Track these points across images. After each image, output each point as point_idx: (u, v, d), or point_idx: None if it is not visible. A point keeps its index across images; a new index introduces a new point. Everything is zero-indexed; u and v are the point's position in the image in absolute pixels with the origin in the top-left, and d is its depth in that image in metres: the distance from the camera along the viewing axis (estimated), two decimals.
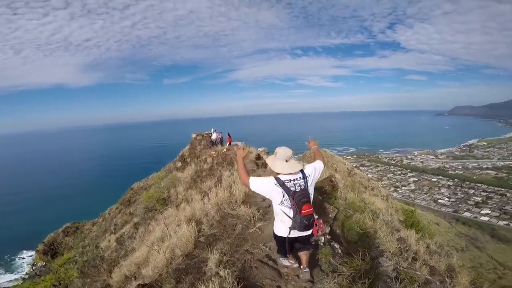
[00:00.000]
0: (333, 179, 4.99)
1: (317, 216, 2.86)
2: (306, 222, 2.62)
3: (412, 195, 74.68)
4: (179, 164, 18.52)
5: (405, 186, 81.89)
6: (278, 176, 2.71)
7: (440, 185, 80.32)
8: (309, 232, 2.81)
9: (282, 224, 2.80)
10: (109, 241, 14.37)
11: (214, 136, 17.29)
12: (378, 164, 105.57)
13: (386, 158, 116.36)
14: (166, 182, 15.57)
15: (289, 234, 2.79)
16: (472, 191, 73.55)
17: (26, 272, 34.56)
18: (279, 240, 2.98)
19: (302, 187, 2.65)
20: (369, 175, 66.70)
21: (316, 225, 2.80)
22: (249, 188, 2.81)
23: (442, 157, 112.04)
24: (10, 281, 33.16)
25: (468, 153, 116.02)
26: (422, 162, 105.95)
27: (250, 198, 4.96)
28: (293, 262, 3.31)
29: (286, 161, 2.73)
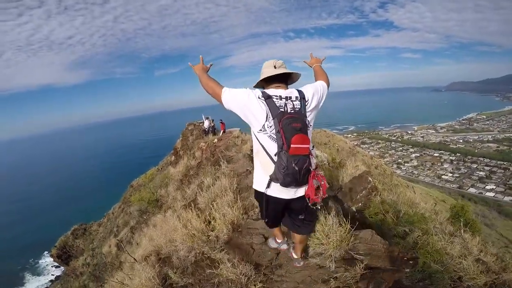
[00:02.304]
0: (370, 178, 3.72)
1: (315, 163, 1.76)
2: (296, 168, 1.61)
3: (415, 172, 74.11)
4: (173, 158, 17.44)
5: (407, 162, 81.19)
6: (264, 90, 1.84)
7: (442, 160, 79.62)
8: (301, 190, 1.79)
9: (261, 169, 1.86)
10: (110, 246, 14.23)
11: (206, 124, 16.15)
12: (379, 141, 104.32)
13: (386, 134, 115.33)
14: (157, 180, 14.59)
15: (267, 187, 1.81)
16: (475, 166, 72.81)
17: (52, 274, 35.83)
18: (257, 197, 2.02)
19: (297, 110, 1.74)
20: (371, 153, 65.98)
21: (315, 181, 1.70)
22: (221, 102, 1.82)
23: (442, 131, 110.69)
24: (43, 285, 34.86)
25: (468, 126, 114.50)
26: (422, 137, 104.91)
27: (240, 235, 2.95)
28: (280, 241, 2.48)
29: (275, 67, 1.85)
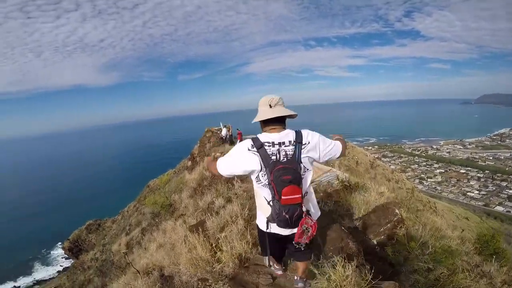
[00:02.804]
0: (397, 210, 3.35)
1: (305, 210, 1.75)
2: (286, 216, 1.67)
3: (438, 188, 70.71)
4: (189, 163, 17.53)
5: (431, 178, 77.49)
6: (257, 136, 1.83)
7: (469, 177, 75.37)
8: (292, 231, 1.83)
9: (260, 212, 1.99)
10: (120, 244, 14.24)
11: (223, 132, 16.14)
12: (402, 154, 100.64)
13: (409, 148, 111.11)
14: (172, 185, 14.65)
15: (267, 228, 1.94)
16: (505, 184, 68.41)
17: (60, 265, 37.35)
18: (259, 233, 2.15)
19: (289, 157, 1.73)
20: (392, 167, 63.66)
21: (303, 226, 1.73)
22: (221, 175, 1.98)
23: (471, 147, 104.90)
24: (50, 276, 36.37)
25: (499, 143, 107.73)
26: (449, 152, 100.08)
27: (247, 272, 2.68)
28: (278, 267, 2.54)
29: (270, 106, 1.81)
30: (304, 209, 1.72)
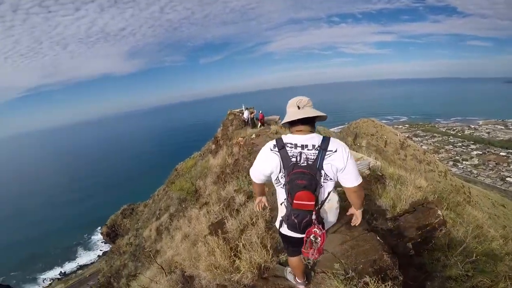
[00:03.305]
0: (439, 212, 2.95)
1: (315, 218, 1.67)
2: (295, 220, 1.67)
3: (474, 171, 66.35)
4: (213, 146, 17.66)
5: (466, 160, 72.77)
6: (282, 136, 1.81)
7: (510, 160, 69.77)
8: (300, 236, 1.76)
9: (278, 211, 1.97)
10: (150, 230, 14.75)
11: (245, 114, 15.93)
12: (435, 134, 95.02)
13: (444, 127, 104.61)
14: (197, 169, 14.83)
15: (280, 227, 1.96)
16: None
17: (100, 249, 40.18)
18: (279, 233, 2.07)
19: (310, 162, 1.66)
20: (423, 147, 60.23)
21: (312, 236, 1.67)
22: (255, 181, 2.02)
23: None
24: (91, 260, 39.18)
25: None
26: (488, 132, 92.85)
27: (266, 285, 2.53)
28: (300, 281, 2.37)
29: (299, 107, 1.77)
30: (314, 217, 1.66)
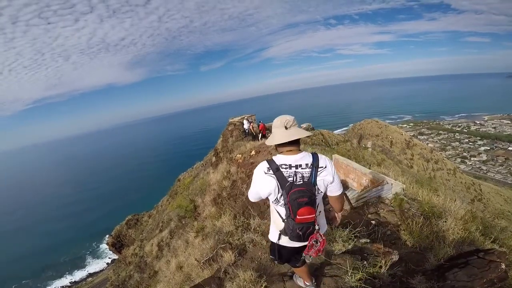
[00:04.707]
0: (503, 265, 2.14)
1: (318, 227, 1.87)
2: (300, 232, 1.81)
3: (483, 167, 65.04)
4: (213, 159, 16.97)
5: (474, 156, 71.45)
6: (273, 158, 1.86)
7: None
8: (303, 244, 1.95)
9: (274, 226, 2.08)
10: (152, 245, 14.64)
11: (245, 125, 15.18)
12: (440, 131, 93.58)
13: (449, 124, 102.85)
14: (198, 183, 14.20)
15: (278, 240, 2.04)
16: None
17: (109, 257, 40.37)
18: (271, 245, 2.23)
19: (306, 180, 1.78)
20: (430, 145, 58.93)
21: (314, 240, 1.87)
22: (251, 200, 2.07)
23: None
24: (100, 268, 39.73)
25: None
26: (494, 127, 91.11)
27: None
28: (309, 284, 2.51)
29: (286, 128, 1.85)
30: (317, 227, 1.86)
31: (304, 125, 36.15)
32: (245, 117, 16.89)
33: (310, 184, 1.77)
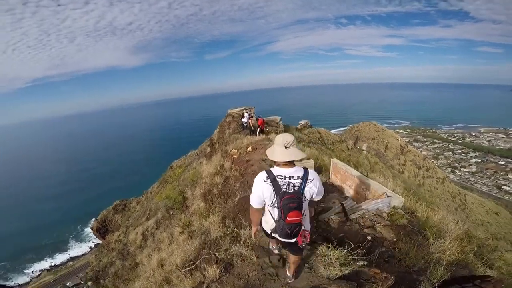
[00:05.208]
0: None
1: (304, 226, 2.28)
2: (289, 231, 2.22)
3: (471, 178, 66.47)
4: (208, 149, 16.68)
5: (464, 167, 72.74)
6: (271, 169, 2.27)
7: (507, 169, 69.45)
8: (292, 240, 2.33)
9: (266, 224, 2.52)
10: (137, 233, 14.50)
11: (245, 118, 14.85)
12: (435, 140, 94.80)
13: (445, 134, 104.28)
14: (186, 175, 13.92)
15: (270, 234, 2.50)
16: None
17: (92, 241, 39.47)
18: (264, 231, 2.62)
19: (296, 189, 2.19)
20: (423, 153, 59.60)
21: (301, 235, 2.29)
22: (255, 209, 2.39)
23: None
24: (82, 252, 39.06)
25: None
26: (489, 141, 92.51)
27: None
28: (275, 246, 3.15)
29: (286, 147, 2.26)
30: (302, 227, 2.27)
31: (302, 122, 36.01)
32: (245, 109, 16.54)
33: (299, 192, 2.17)
